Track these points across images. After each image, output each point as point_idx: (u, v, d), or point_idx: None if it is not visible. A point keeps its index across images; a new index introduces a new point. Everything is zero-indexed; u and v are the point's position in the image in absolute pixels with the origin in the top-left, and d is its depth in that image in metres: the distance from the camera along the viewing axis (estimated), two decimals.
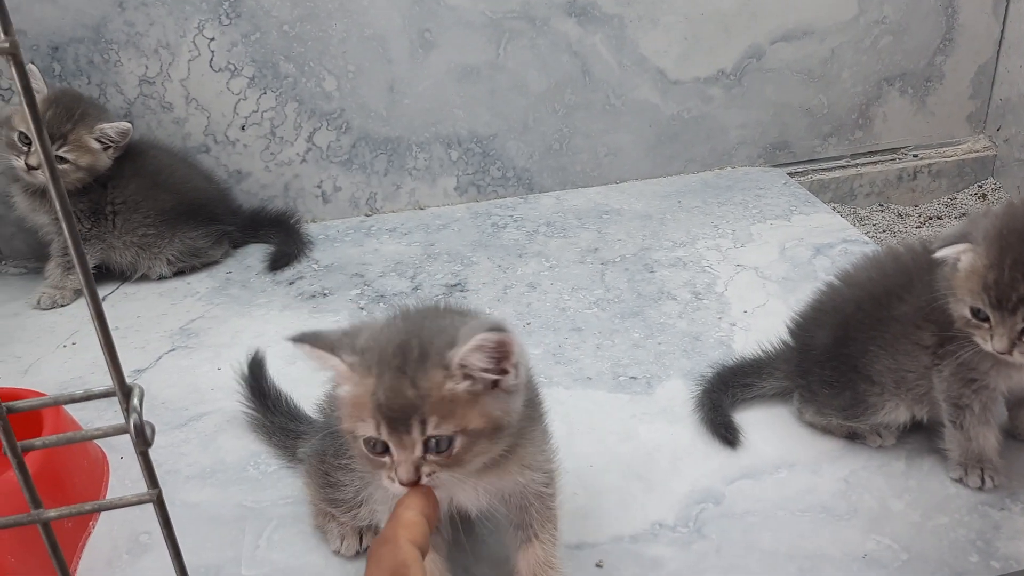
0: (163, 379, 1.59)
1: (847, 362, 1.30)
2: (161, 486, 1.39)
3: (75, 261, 0.54)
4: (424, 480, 0.86)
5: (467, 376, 0.85)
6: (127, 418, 0.73)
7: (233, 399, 1.51)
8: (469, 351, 0.83)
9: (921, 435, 1.33)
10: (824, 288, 1.38)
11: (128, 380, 0.71)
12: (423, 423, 0.83)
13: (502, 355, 0.85)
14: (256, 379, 1.41)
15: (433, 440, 0.84)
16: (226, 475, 1.35)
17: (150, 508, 1.36)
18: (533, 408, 1.00)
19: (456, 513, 1.03)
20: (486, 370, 0.85)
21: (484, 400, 0.86)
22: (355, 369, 0.86)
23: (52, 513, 0.65)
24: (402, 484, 0.86)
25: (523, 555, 1.04)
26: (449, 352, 0.84)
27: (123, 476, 1.36)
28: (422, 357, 0.84)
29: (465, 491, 0.97)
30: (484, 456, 0.89)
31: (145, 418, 1.61)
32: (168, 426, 1.46)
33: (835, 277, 1.37)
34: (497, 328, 0.84)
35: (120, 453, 1.40)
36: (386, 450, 0.86)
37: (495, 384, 0.87)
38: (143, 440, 0.74)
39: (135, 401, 0.74)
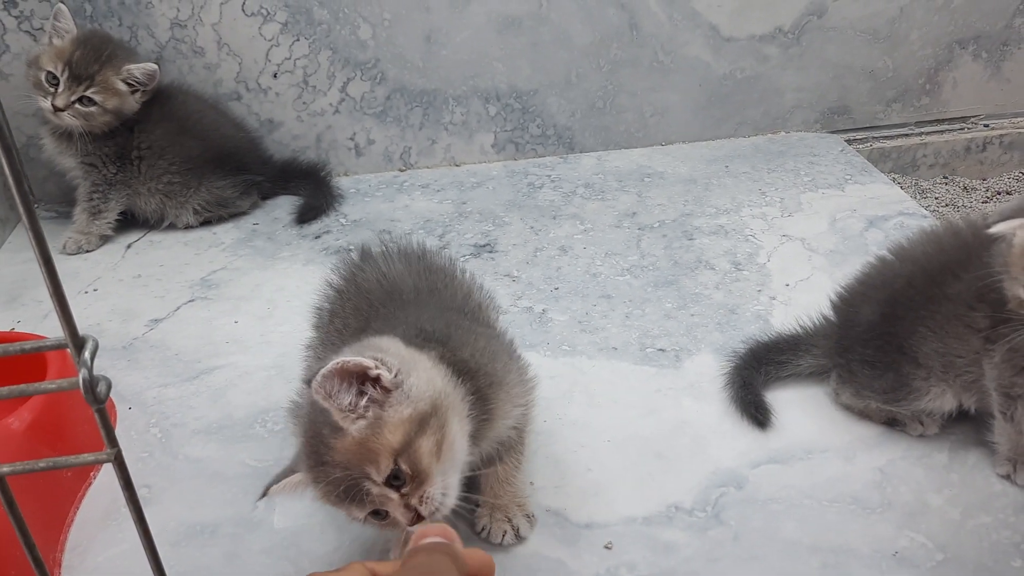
0: (179, 330, 1.56)
1: (892, 342, 1.20)
2: (166, 439, 1.36)
3: (15, 196, 0.48)
4: (423, 509, 0.85)
5: (358, 417, 0.84)
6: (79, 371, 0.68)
7: (248, 353, 1.48)
8: (326, 398, 0.83)
9: (967, 425, 1.22)
10: (875, 261, 1.28)
11: (83, 332, 0.66)
12: (368, 479, 0.84)
13: (356, 378, 0.84)
14: None
15: (391, 477, 0.84)
16: (233, 431, 1.32)
17: (152, 461, 1.34)
18: (496, 351, 1.01)
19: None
20: (364, 396, 0.84)
21: (386, 416, 0.84)
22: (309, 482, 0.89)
23: (5, 468, 0.61)
24: (410, 525, 0.85)
25: (489, 473, 1.07)
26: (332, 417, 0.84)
27: (129, 427, 1.33)
28: (317, 441, 0.86)
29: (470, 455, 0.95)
30: (444, 442, 0.86)
31: (157, 369, 1.57)
32: (179, 378, 1.43)
33: (888, 251, 1.26)
34: (319, 371, 0.82)
35: (128, 403, 1.38)
36: (382, 515, 0.87)
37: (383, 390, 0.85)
38: (93, 397, 0.68)
39: (86, 355, 0.69)
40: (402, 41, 1.98)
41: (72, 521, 1.17)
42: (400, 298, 1.08)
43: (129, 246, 1.85)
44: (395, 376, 0.85)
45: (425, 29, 1.97)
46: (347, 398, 0.83)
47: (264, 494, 0.94)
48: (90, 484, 1.23)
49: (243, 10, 1.90)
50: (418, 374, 0.87)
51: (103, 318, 1.60)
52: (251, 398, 1.38)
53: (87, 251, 1.82)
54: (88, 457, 0.71)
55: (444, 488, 0.86)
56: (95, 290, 1.69)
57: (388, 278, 1.11)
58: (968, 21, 2.13)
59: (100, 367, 1.49)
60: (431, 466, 0.84)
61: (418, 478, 0.84)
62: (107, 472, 1.25)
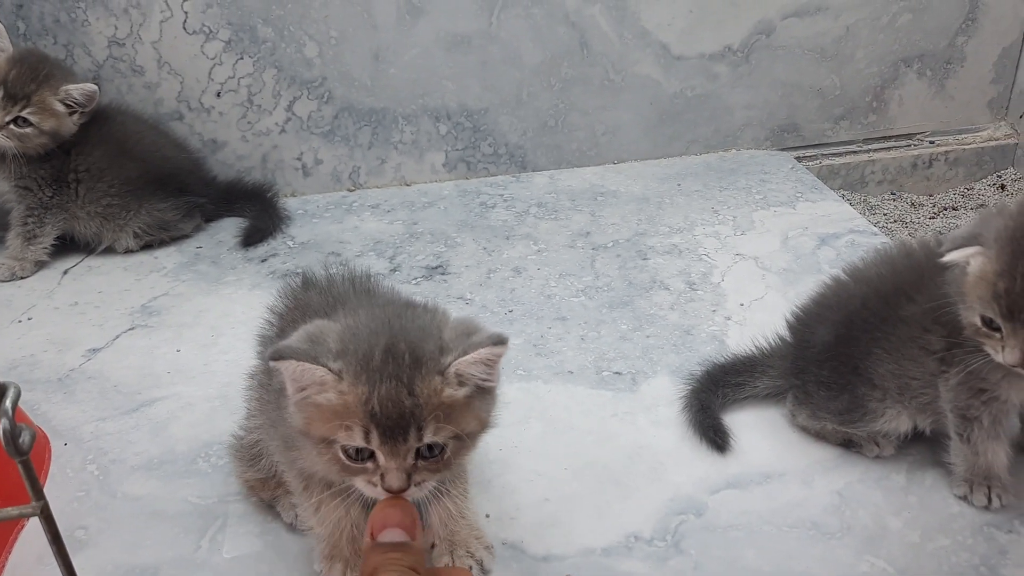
0: (118, 360, 1.49)
1: (848, 363, 1.19)
2: (104, 476, 1.30)
3: None
4: (413, 489, 0.83)
5: (462, 383, 0.83)
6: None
7: (190, 384, 1.43)
8: (472, 363, 0.82)
9: (924, 446, 1.22)
10: (829, 282, 1.28)
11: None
12: (420, 431, 0.80)
13: (495, 363, 0.85)
14: None
15: (427, 447, 0.82)
16: (175, 467, 1.26)
17: (89, 500, 1.27)
18: None
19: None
20: (482, 378, 0.84)
21: (475, 403, 0.85)
22: (344, 377, 0.81)
23: None
24: (390, 492, 0.82)
25: (435, 509, 1.02)
26: (444, 359, 0.82)
27: (64, 464, 1.26)
28: (415, 363, 0.81)
29: None
30: (469, 457, 0.88)
31: (95, 402, 1.48)
32: (118, 411, 1.37)
33: (842, 271, 1.26)
34: (502, 342, 0.83)
35: (64, 439, 1.31)
36: (370, 456, 0.82)
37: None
38: (15, 449, 0.64)
39: (7, 404, 0.64)
40: (349, 59, 1.94)
41: (3, 568, 1.11)
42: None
43: (66, 272, 1.78)
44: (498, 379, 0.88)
45: (373, 47, 1.94)
46: (481, 372, 0.84)
47: (283, 356, 0.83)
48: (22, 528, 1.17)
49: (184, 28, 1.85)
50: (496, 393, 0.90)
51: (37, 349, 1.53)
52: (194, 431, 1.33)
53: (21, 278, 1.75)
54: (12, 511, 0.66)
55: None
56: (29, 319, 1.62)
57: (332, 296, 1.08)
58: (912, 40, 2.16)
59: (33, 400, 1.42)
60: (454, 468, 0.87)
61: (439, 466, 0.84)
62: None
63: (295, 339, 0.84)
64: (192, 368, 1.47)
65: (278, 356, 0.82)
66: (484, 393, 0.86)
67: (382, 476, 0.82)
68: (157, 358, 1.50)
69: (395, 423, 0.79)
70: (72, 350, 1.52)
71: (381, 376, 0.79)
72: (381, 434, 0.80)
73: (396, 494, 0.82)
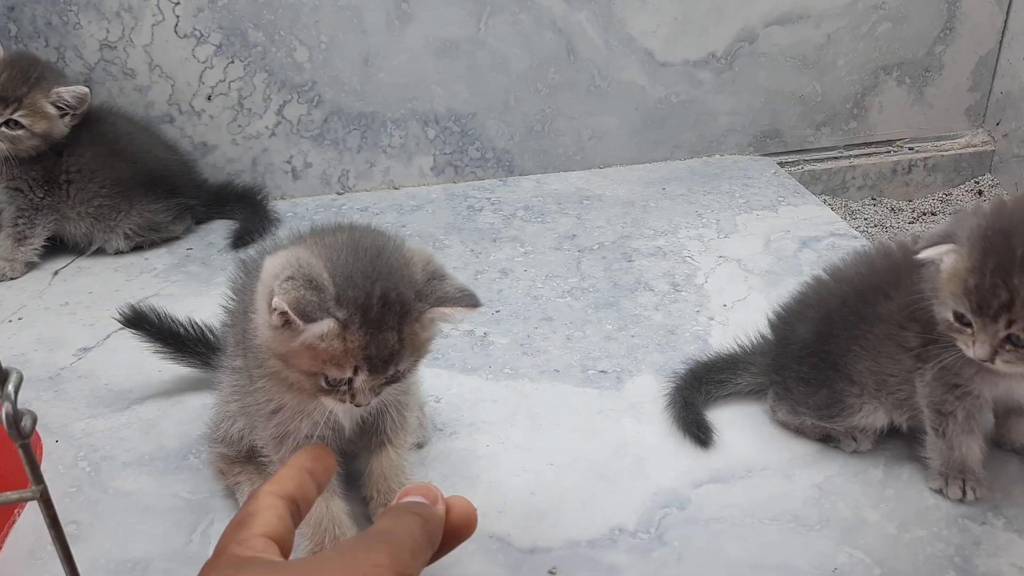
0: (109, 359, 1.51)
1: (827, 359, 1.22)
2: (95, 473, 1.32)
3: None
4: (373, 399, 0.92)
5: (433, 325, 0.94)
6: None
7: (180, 383, 1.44)
8: (446, 314, 0.92)
9: (900, 441, 1.25)
10: (810, 281, 1.31)
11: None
12: (397, 365, 0.90)
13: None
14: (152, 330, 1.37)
15: (398, 371, 0.91)
16: (166, 463, 1.27)
17: (81, 496, 1.29)
18: None
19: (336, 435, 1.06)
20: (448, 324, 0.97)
21: (433, 335, 0.95)
22: (349, 327, 0.87)
23: None
24: (357, 406, 0.92)
25: (375, 459, 1.10)
26: (423, 306, 0.90)
27: (56, 461, 1.28)
28: (404, 312, 0.88)
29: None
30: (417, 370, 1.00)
31: (85, 400, 1.50)
32: (109, 409, 1.38)
33: (823, 271, 1.29)
34: (475, 305, 0.93)
35: (55, 436, 1.32)
36: (347, 381, 0.90)
37: None
38: (17, 432, 0.66)
39: (10, 388, 0.66)
40: (339, 64, 1.96)
41: None
42: None
43: (56, 273, 1.79)
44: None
45: (362, 52, 1.96)
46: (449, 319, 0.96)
47: (305, 316, 0.87)
48: (14, 522, 1.18)
49: (176, 31, 1.87)
50: None
51: (28, 348, 1.54)
52: (184, 428, 1.34)
53: (11, 278, 1.75)
54: (12, 495, 0.67)
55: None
56: (20, 319, 1.63)
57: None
58: (891, 48, 2.20)
59: (25, 399, 1.43)
60: (402, 383, 0.99)
61: (395, 382, 0.93)
62: (32, 509, 1.20)
63: (297, 283, 0.86)
64: (182, 367, 1.48)
65: (309, 318, 0.84)
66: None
67: (352, 395, 0.91)
68: (147, 357, 1.50)
69: (382, 362, 0.88)
70: (63, 349, 1.53)
71: (379, 327, 0.87)
72: (368, 370, 0.88)
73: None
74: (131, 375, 1.46)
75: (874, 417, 1.21)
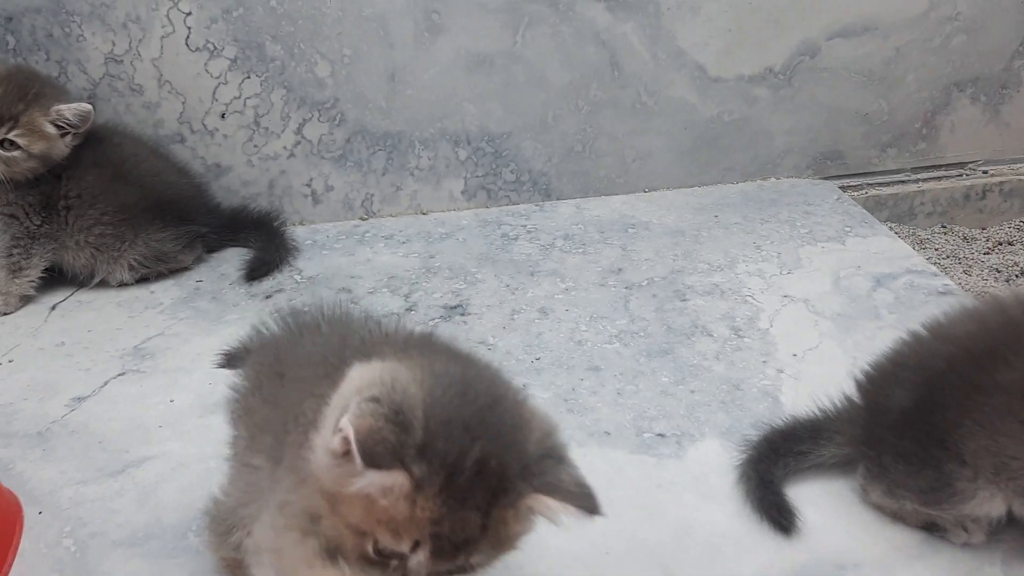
0: (105, 410, 1.35)
1: (932, 434, 1.04)
2: (81, 554, 1.15)
3: None
4: None
5: (530, 517, 0.74)
6: None
7: (184, 439, 1.29)
8: (549, 507, 0.71)
9: (1019, 532, 1.07)
10: (907, 338, 1.13)
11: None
12: (470, 555, 0.71)
13: None
14: None
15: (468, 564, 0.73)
16: (162, 542, 1.11)
17: (72, 566, 1.11)
18: None
19: None
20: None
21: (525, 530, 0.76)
22: (424, 488, 0.68)
23: None
24: None
25: None
26: (525, 490, 0.71)
27: (38, 537, 1.12)
28: (499, 488, 0.70)
29: None
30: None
31: (76, 461, 1.29)
32: (101, 473, 1.23)
33: (922, 326, 1.11)
34: (595, 512, 0.72)
35: (39, 506, 1.17)
36: (399, 556, 0.71)
37: None
38: None
39: None
40: (363, 80, 1.81)
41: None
42: None
43: (54, 307, 1.64)
44: None
45: (389, 67, 1.81)
46: None
47: (378, 463, 0.70)
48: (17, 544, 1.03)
49: (187, 44, 1.72)
50: None
51: (17, 396, 1.39)
52: (185, 497, 1.18)
53: (5, 313, 1.61)
54: None
55: None
56: (11, 361, 1.48)
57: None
58: (966, 63, 2.02)
59: (8, 458, 1.26)
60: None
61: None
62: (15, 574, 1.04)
63: (380, 409, 0.67)
64: (186, 421, 1.33)
65: (374, 461, 0.66)
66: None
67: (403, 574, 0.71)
68: (148, 408, 1.36)
69: (453, 545, 0.69)
70: (55, 398, 1.38)
71: (463, 501, 0.68)
72: (432, 551, 0.69)
73: None
74: (128, 430, 1.31)
75: (990, 505, 1.02)
